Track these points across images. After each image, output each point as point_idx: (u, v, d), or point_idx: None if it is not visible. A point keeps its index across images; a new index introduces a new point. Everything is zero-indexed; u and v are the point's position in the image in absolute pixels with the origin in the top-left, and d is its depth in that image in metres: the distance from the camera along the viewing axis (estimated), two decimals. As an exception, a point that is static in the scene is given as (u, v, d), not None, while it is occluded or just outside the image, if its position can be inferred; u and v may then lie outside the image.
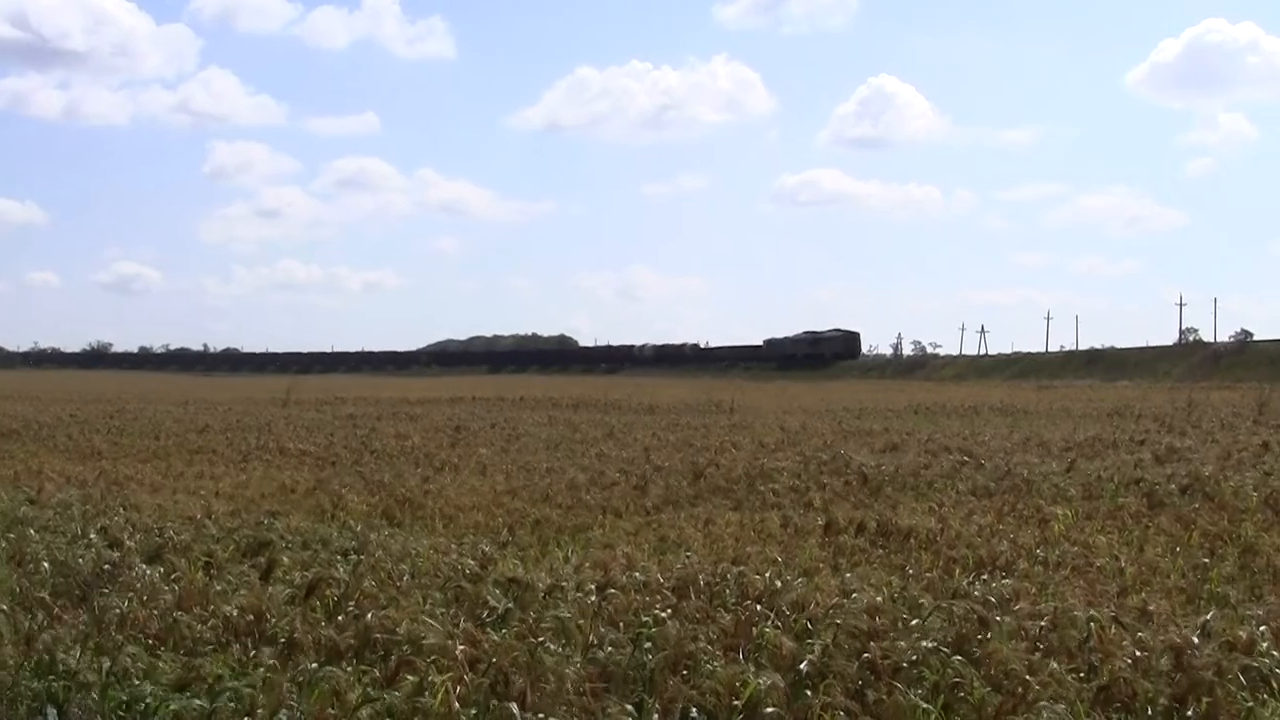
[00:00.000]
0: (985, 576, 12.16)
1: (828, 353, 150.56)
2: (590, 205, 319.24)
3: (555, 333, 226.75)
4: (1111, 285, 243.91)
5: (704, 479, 22.68)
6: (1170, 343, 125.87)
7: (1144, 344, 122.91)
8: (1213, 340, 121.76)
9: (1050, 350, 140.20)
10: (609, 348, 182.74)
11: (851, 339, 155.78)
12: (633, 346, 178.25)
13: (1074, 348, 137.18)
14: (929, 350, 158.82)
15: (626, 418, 48.04)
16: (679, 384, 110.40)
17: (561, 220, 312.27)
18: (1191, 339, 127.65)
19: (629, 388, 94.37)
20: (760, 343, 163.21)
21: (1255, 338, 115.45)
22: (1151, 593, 11.78)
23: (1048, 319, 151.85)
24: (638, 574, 11.71)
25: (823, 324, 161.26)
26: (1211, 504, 18.03)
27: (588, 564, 12.96)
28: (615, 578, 11.52)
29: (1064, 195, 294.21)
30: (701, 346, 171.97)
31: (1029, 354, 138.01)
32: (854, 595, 10.34)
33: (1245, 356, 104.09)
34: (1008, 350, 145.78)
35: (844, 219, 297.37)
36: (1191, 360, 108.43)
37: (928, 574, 12.80)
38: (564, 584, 11.24)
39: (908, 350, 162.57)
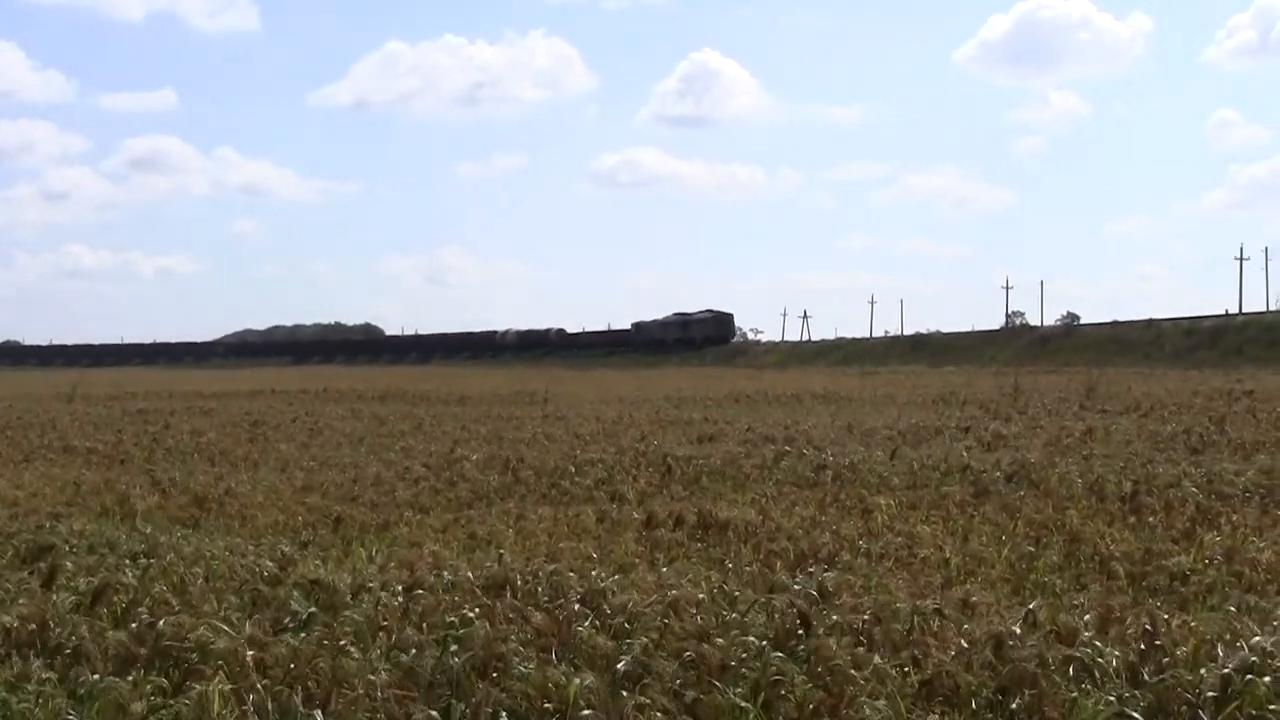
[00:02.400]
0: (811, 569, 12.29)
1: (698, 336, 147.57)
2: (400, 186, 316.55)
3: (360, 321, 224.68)
4: (938, 267, 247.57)
5: (515, 473, 22.66)
6: (997, 327, 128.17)
7: (970, 328, 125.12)
8: (1040, 324, 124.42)
9: (875, 336, 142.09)
10: (469, 334, 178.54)
11: (723, 321, 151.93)
12: (495, 332, 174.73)
13: (899, 333, 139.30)
14: (751, 336, 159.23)
15: (436, 410, 47.81)
16: (493, 374, 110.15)
17: (369, 202, 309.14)
18: (1018, 323, 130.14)
19: (439, 378, 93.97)
20: (629, 326, 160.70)
21: (1082, 321, 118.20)
22: (976, 583, 12.00)
23: (872, 303, 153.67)
24: (446, 573, 11.70)
25: (694, 305, 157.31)
26: (1037, 491, 18.43)
27: (393, 564, 12.91)
28: (422, 578, 11.50)
29: (891, 175, 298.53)
30: (569, 332, 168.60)
31: (853, 339, 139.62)
32: (672, 591, 10.41)
33: (1072, 340, 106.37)
34: (831, 336, 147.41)
35: (666, 200, 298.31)
36: (1018, 344, 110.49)
37: (748, 568, 12.91)
38: (368, 585, 11.18)
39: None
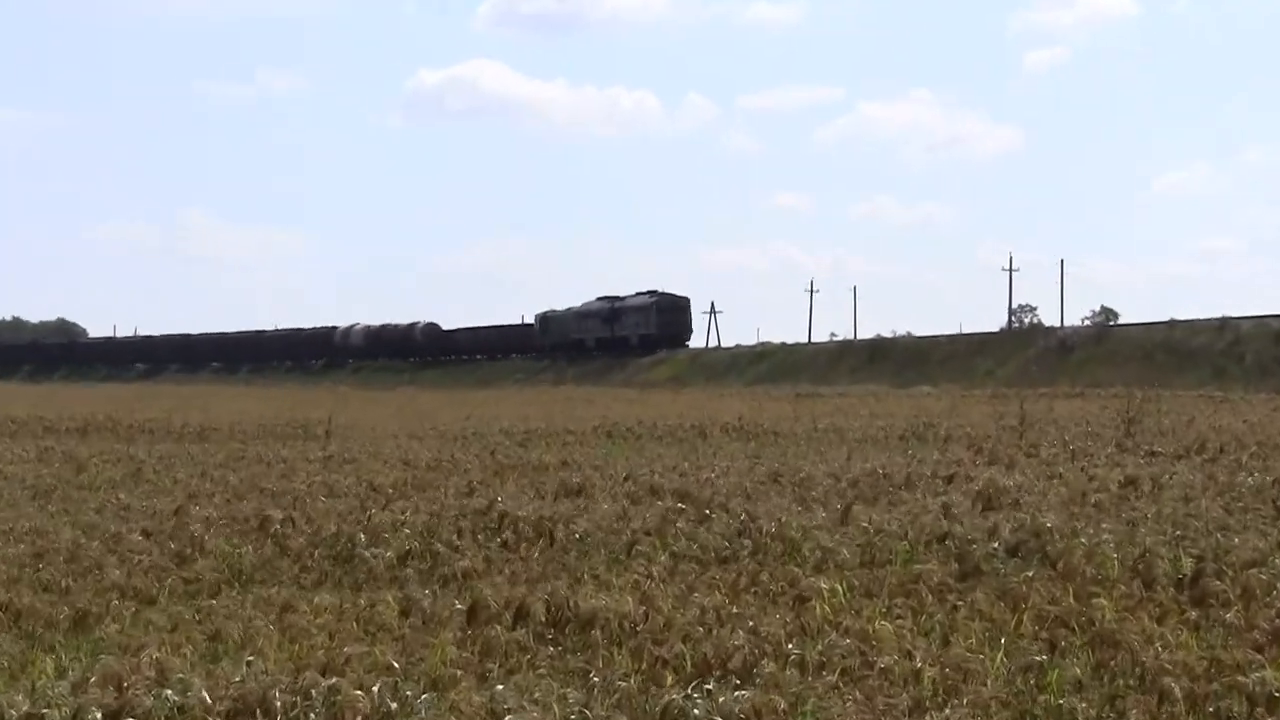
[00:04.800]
0: (710, 685, 12.35)
1: (633, 334, 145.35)
2: (120, 116, 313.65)
3: (52, 317, 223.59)
4: (909, 240, 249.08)
5: (281, 542, 22.59)
6: (996, 328, 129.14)
7: (957, 330, 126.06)
8: (1059, 324, 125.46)
9: (815, 340, 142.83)
10: (297, 331, 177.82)
11: (674, 309, 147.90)
12: (333, 329, 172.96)
13: (851, 336, 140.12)
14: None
15: (164, 448, 47.58)
16: (249, 394, 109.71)
17: (71, 138, 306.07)
18: (1027, 322, 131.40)
19: (173, 400, 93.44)
20: (532, 320, 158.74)
21: (1121, 320, 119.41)
22: (960, 707, 12.11)
23: (811, 292, 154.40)
24: (171, 692, 11.67)
25: (624, 286, 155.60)
26: (1052, 572, 18.56)
27: (94, 678, 12.86)
28: (137, 699, 11.46)
29: (841, 103, 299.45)
30: (444, 329, 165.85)
31: (783, 345, 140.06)
32: (509, 717, 10.44)
33: (1106, 347, 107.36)
34: (750, 340, 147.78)
35: (514, 135, 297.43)
36: (1027, 354, 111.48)
37: (623, 683, 12.98)
38: (52, 711, 11.12)
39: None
